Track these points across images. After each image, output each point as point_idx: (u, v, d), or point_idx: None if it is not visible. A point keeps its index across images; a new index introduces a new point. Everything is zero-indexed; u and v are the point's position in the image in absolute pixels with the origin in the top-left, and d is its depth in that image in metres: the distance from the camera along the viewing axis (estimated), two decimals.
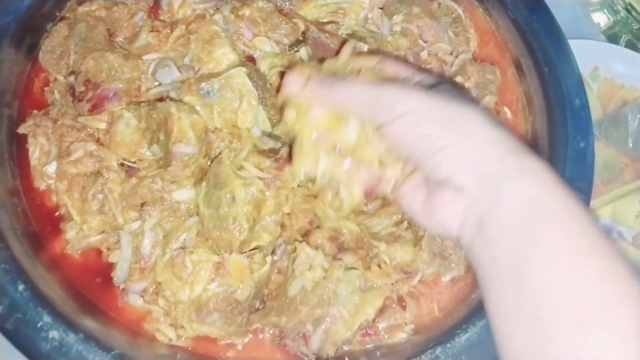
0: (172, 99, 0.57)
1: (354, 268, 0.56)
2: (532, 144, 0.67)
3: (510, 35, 0.72)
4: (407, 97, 0.42)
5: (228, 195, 0.52)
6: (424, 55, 0.67)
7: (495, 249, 0.38)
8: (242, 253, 0.53)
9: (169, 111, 0.54)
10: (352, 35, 0.66)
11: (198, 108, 0.56)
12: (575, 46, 0.69)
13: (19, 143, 0.63)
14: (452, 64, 0.69)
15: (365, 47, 0.66)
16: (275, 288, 0.56)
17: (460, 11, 0.73)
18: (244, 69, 0.56)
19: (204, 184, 0.54)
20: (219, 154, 0.57)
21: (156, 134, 0.56)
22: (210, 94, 0.56)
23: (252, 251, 0.55)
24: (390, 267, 0.60)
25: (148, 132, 0.58)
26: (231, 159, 0.54)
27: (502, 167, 0.39)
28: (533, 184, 0.38)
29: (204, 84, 0.56)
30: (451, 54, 0.69)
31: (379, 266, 0.59)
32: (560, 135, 0.64)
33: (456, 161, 0.40)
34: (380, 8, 0.70)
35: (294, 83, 0.47)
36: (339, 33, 0.66)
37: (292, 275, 0.54)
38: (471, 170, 0.39)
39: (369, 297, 0.56)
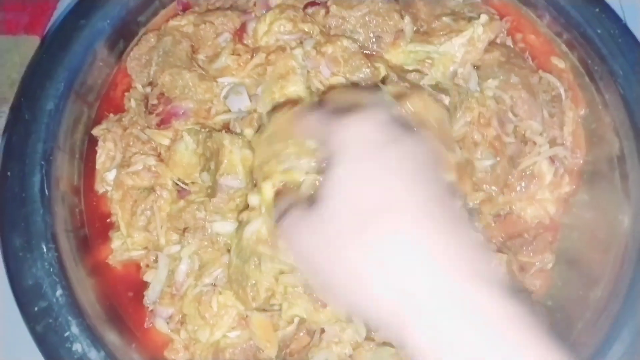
0: (230, 132, 0.56)
1: (388, 344, 0.52)
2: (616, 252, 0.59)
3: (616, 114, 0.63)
4: None
5: (255, 257, 0.49)
6: (509, 128, 0.60)
7: None
8: (265, 311, 0.51)
9: (222, 142, 0.53)
10: (435, 86, 0.62)
11: None
12: None
13: (90, 144, 0.65)
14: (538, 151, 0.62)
15: (447, 100, 0.62)
16: (298, 350, 0.53)
17: (561, 90, 0.66)
18: None
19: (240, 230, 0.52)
20: None
21: (209, 162, 0.56)
22: None
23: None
24: None
25: (202, 158, 0.57)
26: None
27: None
28: None
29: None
30: (541, 134, 0.63)
31: None
32: None
33: None
34: (475, 68, 0.65)
35: None
36: (421, 83, 0.62)
37: (316, 345, 0.51)
38: None
39: None
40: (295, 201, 0.40)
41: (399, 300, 0.32)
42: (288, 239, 0.38)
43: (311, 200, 0.36)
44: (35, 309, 0.52)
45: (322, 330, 0.53)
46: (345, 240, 0.33)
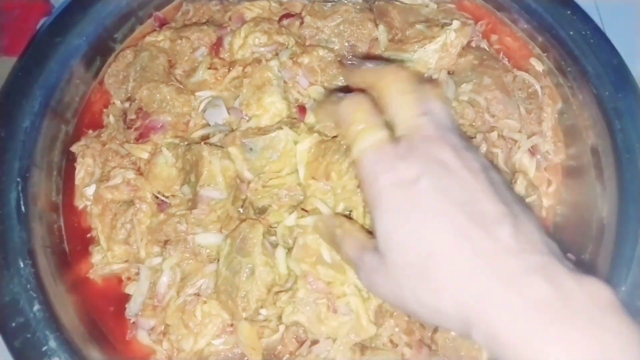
0: (209, 143, 0.56)
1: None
2: (596, 236, 0.60)
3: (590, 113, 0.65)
4: None
5: (248, 268, 0.49)
6: (493, 137, 0.61)
7: None
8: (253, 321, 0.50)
9: (201, 154, 0.53)
10: None
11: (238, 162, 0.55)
12: None
13: (69, 161, 0.65)
14: (518, 146, 0.63)
15: None
16: (284, 355, 0.53)
17: (537, 86, 0.67)
18: (291, 133, 0.55)
19: (229, 241, 0.52)
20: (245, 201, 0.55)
21: (189, 174, 0.56)
22: (253, 150, 0.55)
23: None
24: None
25: (182, 171, 0.57)
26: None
27: None
28: None
29: (248, 140, 0.55)
30: (520, 131, 0.64)
31: None
32: (630, 234, 0.57)
33: None
34: (450, 73, 0.66)
35: None
36: None
37: (303, 355, 0.51)
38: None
39: None
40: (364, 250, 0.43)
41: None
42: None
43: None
44: (13, 324, 0.51)
45: (313, 342, 0.53)
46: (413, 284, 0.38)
